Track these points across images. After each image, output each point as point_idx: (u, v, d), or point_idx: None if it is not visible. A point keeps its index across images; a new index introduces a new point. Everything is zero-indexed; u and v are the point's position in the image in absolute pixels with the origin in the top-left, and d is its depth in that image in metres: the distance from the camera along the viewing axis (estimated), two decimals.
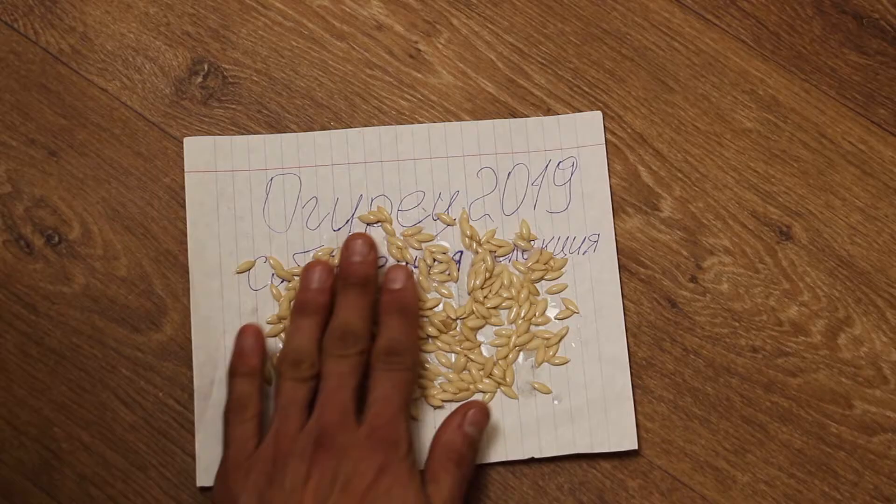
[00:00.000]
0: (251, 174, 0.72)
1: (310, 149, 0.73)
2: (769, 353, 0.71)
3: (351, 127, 0.74)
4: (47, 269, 0.72)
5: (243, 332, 0.68)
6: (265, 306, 0.71)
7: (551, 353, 0.71)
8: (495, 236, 0.72)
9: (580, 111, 0.74)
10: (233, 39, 0.75)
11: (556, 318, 0.71)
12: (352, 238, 0.68)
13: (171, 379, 0.71)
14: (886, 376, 0.71)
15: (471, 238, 0.72)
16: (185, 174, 0.72)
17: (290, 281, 0.71)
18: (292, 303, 0.69)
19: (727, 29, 0.75)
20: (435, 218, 0.72)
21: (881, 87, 0.74)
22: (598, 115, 0.73)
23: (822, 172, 0.73)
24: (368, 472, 0.63)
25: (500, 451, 0.70)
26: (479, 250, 0.72)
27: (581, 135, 0.73)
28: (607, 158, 0.73)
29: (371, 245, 0.68)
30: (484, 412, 0.67)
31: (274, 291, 0.71)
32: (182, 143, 0.73)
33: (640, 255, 0.72)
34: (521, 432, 0.70)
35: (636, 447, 0.69)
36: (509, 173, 0.73)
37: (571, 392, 0.70)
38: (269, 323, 0.71)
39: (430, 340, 0.71)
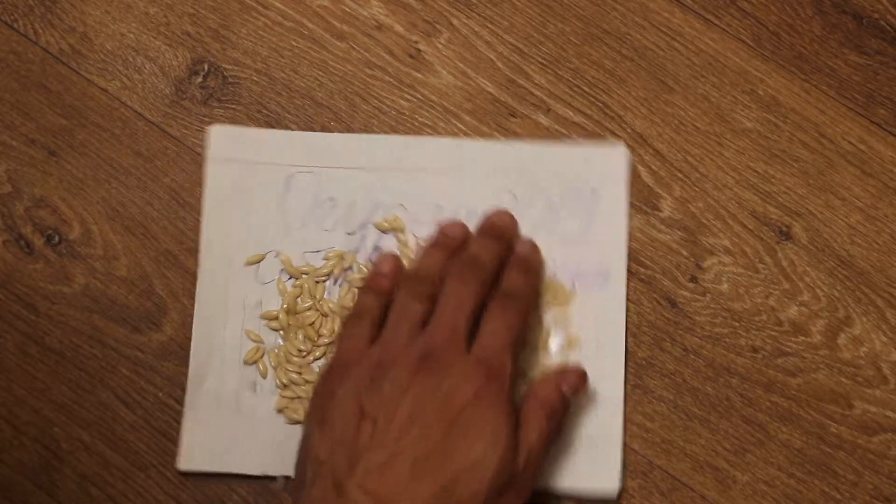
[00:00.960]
0: (272, 168, 0.72)
1: (334, 150, 0.73)
2: (769, 353, 0.71)
3: (352, 127, 0.74)
4: (47, 269, 0.72)
5: (384, 257, 0.70)
6: (270, 301, 0.71)
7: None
8: None
9: (585, 114, 0.74)
10: (233, 39, 0.75)
11: (557, 349, 0.71)
12: (497, 209, 0.71)
13: (171, 379, 0.71)
14: (886, 376, 0.71)
15: None
16: (208, 161, 0.72)
17: (297, 278, 0.71)
18: (427, 238, 0.70)
19: (727, 29, 0.75)
20: None
21: (881, 87, 0.74)
22: (623, 148, 0.72)
23: (822, 172, 0.73)
24: (468, 392, 0.63)
25: None
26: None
27: (605, 167, 0.72)
28: (629, 194, 0.72)
29: (512, 217, 0.71)
30: (583, 378, 0.68)
31: (280, 287, 0.71)
32: (182, 142, 0.73)
33: (640, 255, 0.72)
34: None
35: (616, 493, 0.69)
36: (528, 197, 0.72)
37: (562, 424, 0.70)
38: (269, 318, 0.71)
39: None
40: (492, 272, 0.67)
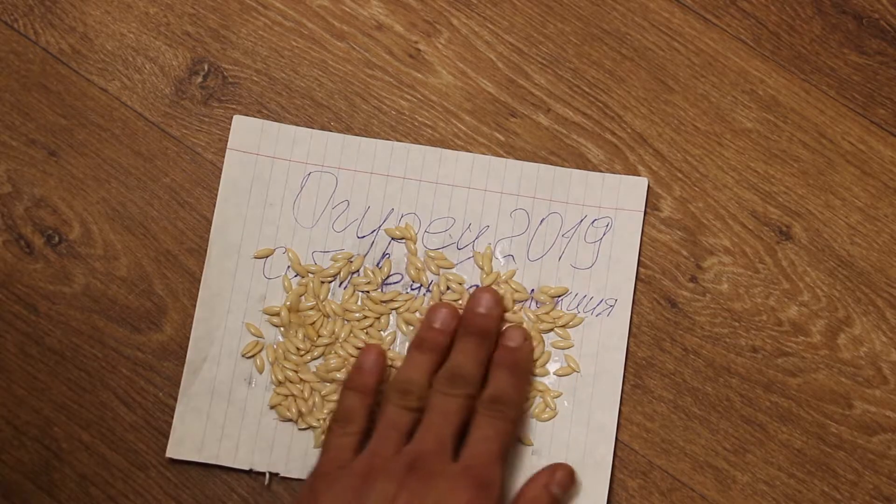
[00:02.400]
0: (290, 164, 0.73)
1: (353, 152, 0.73)
2: (769, 353, 0.71)
3: (352, 127, 0.74)
4: (47, 269, 0.72)
5: (367, 350, 0.69)
6: (274, 296, 0.71)
7: (541, 409, 0.70)
8: (514, 278, 0.72)
9: (585, 114, 0.74)
10: (233, 39, 0.75)
11: (555, 374, 0.71)
12: (481, 290, 0.69)
13: (171, 379, 0.71)
14: (886, 376, 0.71)
15: (488, 276, 0.71)
16: (227, 151, 0.72)
17: (303, 276, 0.71)
18: (412, 339, 0.69)
19: (727, 29, 0.75)
20: (460, 247, 0.72)
21: (881, 87, 0.74)
22: (644, 181, 0.72)
23: (822, 172, 0.73)
24: None
25: None
26: (506, 292, 0.71)
27: (622, 197, 0.72)
28: (643, 227, 0.72)
29: (498, 301, 0.69)
30: (571, 476, 0.68)
31: (286, 283, 0.72)
32: (182, 142, 0.73)
33: (640, 255, 0.72)
34: None
35: None
36: (542, 220, 0.72)
37: (552, 449, 0.70)
38: (270, 314, 0.71)
39: None
40: (478, 379, 0.67)
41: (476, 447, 0.65)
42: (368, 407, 0.67)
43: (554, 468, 0.67)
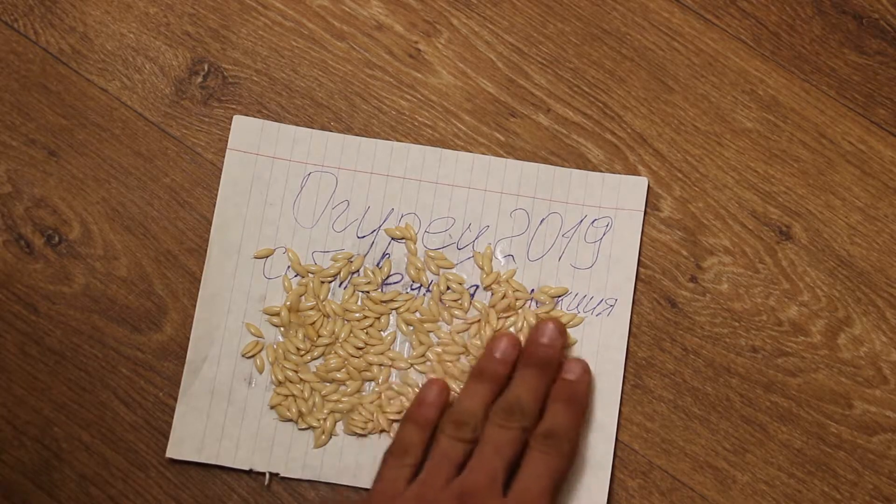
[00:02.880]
0: (290, 164, 0.73)
1: (353, 152, 0.73)
2: (769, 353, 0.71)
3: (351, 127, 0.74)
4: (47, 269, 0.72)
5: (430, 384, 0.69)
6: (274, 296, 0.71)
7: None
8: (514, 278, 0.72)
9: (585, 114, 0.74)
10: (233, 39, 0.75)
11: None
12: (544, 322, 0.69)
13: (170, 379, 0.71)
14: (886, 376, 0.71)
15: (488, 276, 0.71)
16: (227, 151, 0.72)
17: (303, 276, 0.71)
18: (472, 366, 0.69)
19: (727, 29, 0.75)
20: (460, 247, 0.72)
21: (881, 87, 0.74)
22: (644, 181, 0.72)
23: (822, 172, 0.73)
24: None
25: None
26: (507, 291, 0.71)
27: (622, 197, 0.72)
28: (643, 226, 0.72)
29: (562, 332, 0.69)
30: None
31: (286, 283, 0.72)
32: (182, 142, 0.73)
33: (640, 255, 0.72)
34: None
35: None
36: (542, 220, 0.72)
37: None
38: (270, 314, 0.71)
39: (427, 364, 0.71)
40: (534, 412, 0.67)
41: (527, 483, 0.64)
42: (426, 440, 0.67)
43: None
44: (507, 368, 0.68)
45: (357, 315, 0.71)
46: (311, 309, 0.71)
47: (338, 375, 0.71)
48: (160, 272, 0.72)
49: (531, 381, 0.67)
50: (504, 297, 0.71)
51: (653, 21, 0.75)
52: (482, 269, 0.72)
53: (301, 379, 0.71)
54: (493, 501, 0.64)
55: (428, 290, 0.72)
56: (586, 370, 0.68)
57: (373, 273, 0.72)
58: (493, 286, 0.71)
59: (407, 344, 0.71)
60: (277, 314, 0.71)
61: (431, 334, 0.71)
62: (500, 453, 0.65)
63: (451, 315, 0.71)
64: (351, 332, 0.71)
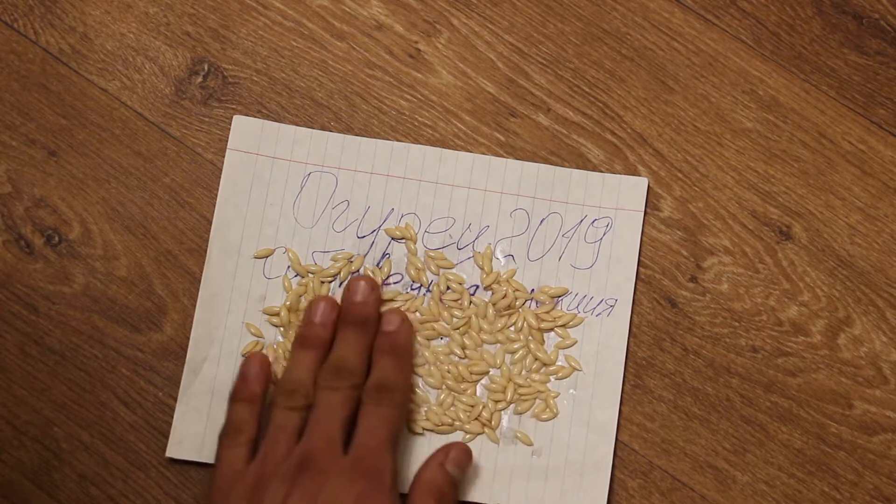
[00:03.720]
0: (290, 164, 0.73)
1: (353, 152, 0.73)
2: (769, 353, 0.71)
3: (351, 127, 0.74)
4: (47, 269, 0.72)
5: (250, 359, 0.69)
6: (274, 296, 0.71)
7: (541, 409, 0.70)
8: (514, 278, 0.72)
9: (585, 114, 0.74)
10: (233, 39, 0.75)
11: (556, 377, 0.71)
12: (355, 279, 0.69)
13: (170, 379, 0.71)
14: (886, 376, 0.71)
15: (488, 275, 0.71)
16: (227, 151, 0.72)
17: (303, 276, 0.71)
18: (294, 337, 0.70)
19: (727, 29, 0.75)
20: (460, 247, 0.72)
21: (881, 87, 0.74)
22: (644, 181, 0.72)
23: (822, 172, 0.73)
24: (348, 498, 0.63)
25: (468, 489, 0.69)
26: (507, 291, 0.71)
27: (622, 197, 0.72)
28: (643, 226, 0.72)
29: (373, 287, 0.69)
30: (467, 454, 0.68)
31: (286, 284, 0.72)
32: (182, 142, 0.73)
33: (640, 255, 0.72)
34: (493, 477, 0.69)
35: None
36: (542, 220, 0.72)
37: (552, 449, 0.70)
38: (270, 314, 0.71)
39: (427, 367, 0.71)
40: (361, 369, 0.67)
41: (364, 438, 0.65)
42: (257, 415, 0.67)
43: (448, 447, 0.67)
44: (329, 331, 0.68)
45: None
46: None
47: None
48: (160, 272, 0.72)
49: (352, 339, 0.68)
50: (504, 296, 0.71)
51: (653, 21, 0.75)
52: (482, 269, 0.72)
53: None
54: (334, 461, 0.64)
55: (428, 290, 0.72)
56: (405, 319, 0.69)
57: (373, 273, 0.72)
58: (493, 286, 0.71)
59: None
60: (277, 314, 0.71)
61: (433, 342, 0.71)
62: (333, 414, 0.65)
63: (450, 315, 0.71)
64: None
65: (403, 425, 0.68)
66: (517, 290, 0.71)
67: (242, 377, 0.68)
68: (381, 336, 0.68)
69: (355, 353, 0.67)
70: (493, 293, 0.72)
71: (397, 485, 0.65)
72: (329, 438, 0.65)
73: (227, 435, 0.67)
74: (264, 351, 0.71)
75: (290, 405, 0.66)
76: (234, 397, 0.68)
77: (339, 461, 0.64)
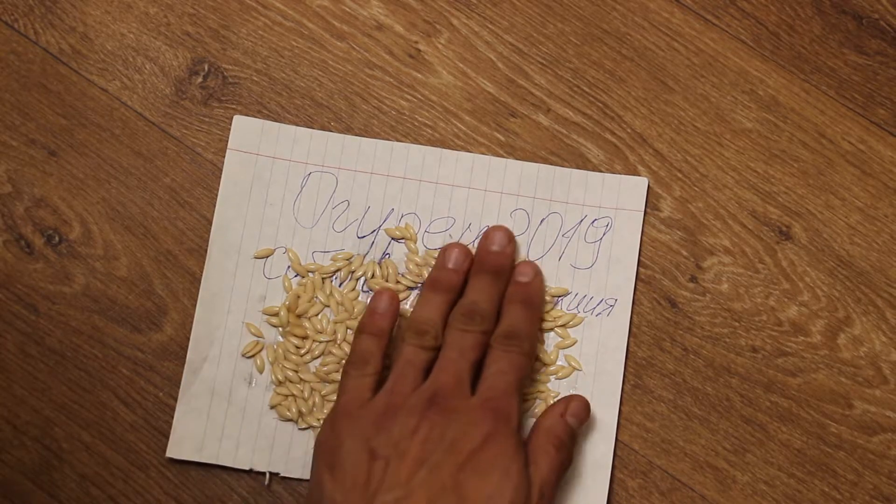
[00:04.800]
0: (290, 164, 0.73)
1: (353, 153, 0.73)
2: (769, 353, 0.71)
3: (351, 127, 0.74)
4: (47, 269, 0.72)
5: (379, 294, 0.70)
6: (274, 296, 0.71)
7: (541, 409, 0.70)
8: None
9: (585, 114, 0.74)
10: (233, 39, 0.75)
11: (556, 377, 0.71)
12: (493, 229, 0.71)
13: (170, 379, 0.71)
14: (886, 376, 0.71)
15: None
16: (227, 151, 0.72)
17: (303, 276, 0.72)
18: (426, 279, 0.70)
19: (727, 29, 0.75)
20: None
21: (881, 87, 0.74)
22: (644, 181, 0.72)
23: (822, 172, 0.73)
24: (476, 436, 0.64)
25: None
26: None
27: (622, 197, 0.72)
28: (643, 226, 0.72)
29: (510, 238, 0.70)
30: (586, 406, 0.69)
31: (286, 284, 0.72)
32: (182, 142, 0.73)
33: (640, 255, 0.72)
34: None
35: None
36: (542, 220, 0.72)
37: None
38: (270, 314, 0.71)
39: None
40: (492, 316, 0.68)
41: (492, 381, 0.66)
42: (383, 349, 0.68)
43: (569, 398, 0.68)
44: (461, 277, 0.69)
45: (357, 314, 0.71)
46: (310, 301, 0.71)
47: (338, 376, 0.71)
48: (160, 272, 0.72)
49: (486, 286, 0.69)
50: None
51: (653, 21, 0.75)
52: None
53: (301, 378, 0.71)
54: (462, 400, 0.65)
55: None
56: (538, 272, 0.70)
57: (372, 274, 0.72)
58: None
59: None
60: (277, 314, 0.71)
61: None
62: (464, 355, 0.66)
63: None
64: (347, 329, 0.71)
65: (529, 373, 0.69)
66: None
67: (371, 311, 0.69)
68: (514, 286, 0.70)
69: (488, 299, 0.68)
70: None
71: (522, 431, 0.66)
72: (458, 377, 0.66)
73: (352, 364, 0.68)
74: (264, 352, 0.71)
75: (420, 343, 0.67)
76: (362, 329, 0.69)
77: (468, 400, 0.65)
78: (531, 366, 0.69)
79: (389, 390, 0.66)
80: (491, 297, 0.69)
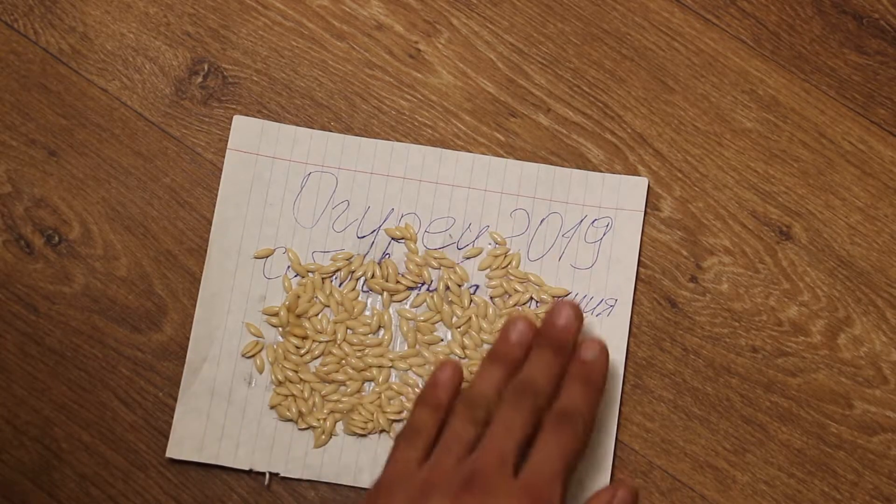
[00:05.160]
0: (290, 165, 0.73)
1: (353, 153, 0.73)
2: (769, 353, 0.71)
3: (351, 127, 0.74)
4: (47, 269, 0.72)
5: (443, 365, 0.66)
6: (274, 296, 0.71)
7: None
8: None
9: (585, 114, 0.74)
10: (233, 39, 0.75)
11: None
12: (561, 303, 0.66)
13: (170, 379, 0.71)
14: (886, 376, 0.71)
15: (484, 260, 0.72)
16: (227, 151, 0.72)
17: (303, 276, 0.72)
18: (488, 350, 0.67)
19: (727, 29, 0.75)
20: (460, 247, 0.72)
21: (881, 87, 0.74)
22: (644, 181, 0.72)
23: (822, 172, 0.73)
24: None
25: None
26: (517, 288, 0.71)
27: (622, 197, 0.72)
28: (643, 227, 0.72)
29: (578, 315, 0.66)
30: (634, 497, 0.64)
31: (286, 284, 0.72)
32: (182, 142, 0.73)
33: (640, 255, 0.72)
34: None
35: None
36: (542, 220, 0.72)
37: None
38: (269, 314, 0.71)
39: (427, 367, 0.71)
40: (549, 393, 0.65)
41: (538, 463, 0.62)
42: (439, 422, 0.65)
43: (616, 486, 0.64)
44: (522, 351, 0.66)
45: (363, 313, 0.71)
46: (309, 301, 0.72)
47: (338, 376, 0.71)
48: (160, 272, 0.72)
49: (545, 361, 0.65)
50: (504, 291, 0.71)
51: (653, 21, 0.75)
52: (482, 268, 0.72)
53: (301, 379, 0.71)
54: (503, 482, 0.61)
55: (429, 288, 0.72)
56: (604, 351, 0.66)
57: (372, 274, 0.72)
58: (490, 271, 0.71)
59: (406, 346, 0.71)
60: (277, 314, 0.71)
61: (436, 337, 0.71)
62: (510, 433, 0.63)
63: (451, 313, 0.71)
64: (347, 329, 0.71)
65: (580, 459, 0.65)
66: (522, 282, 0.71)
67: (433, 382, 0.66)
68: (576, 363, 0.66)
69: (545, 375, 0.65)
70: (492, 290, 0.72)
71: None
72: (501, 457, 0.62)
73: (404, 437, 0.65)
74: (263, 352, 0.71)
75: (470, 417, 0.64)
76: (421, 400, 0.66)
77: (508, 482, 0.61)
78: (583, 450, 0.64)
79: (433, 465, 0.63)
80: (549, 372, 0.65)
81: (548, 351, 0.65)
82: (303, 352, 0.71)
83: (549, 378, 0.65)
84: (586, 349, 0.66)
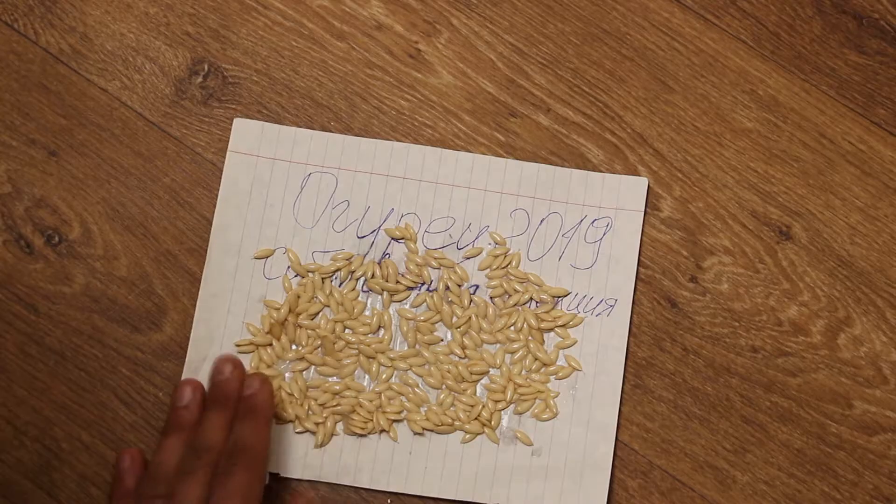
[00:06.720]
0: (291, 165, 0.73)
1: (353, 153, 0.73)
2: (769, 353, 0.71)
3: (351, 127, 0.74)
4: (47, 269, 0.72)
5: (123, 454, 0.67)
6: (274, 297, 0.72)
7: (541, 409, 0.70)
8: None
9: (585, 114, 0.74)
10: (233, 39, 0.75)
11: (556, 377, 0.71)
12: (219, 359, 0.68)
13: (171, 379, 0.71)
14: (886, 376, 0.71)
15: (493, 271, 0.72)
16: (228, 153, 0.72)
17: (303, 276, 0.72)
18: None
19: (727, 29, 0.75)
20: (460, 247, 0.72)
21: (881, 87, 0.74)
22: (644, 181, 0.72)
23: (822, 172, 0.73)
24: None
25: (468, 489, 0.69)
26: (517, 288, 0.71)
27: (622, 197, 0.72)
28: (643, 226, 0.72)
29: (237, 365, 0.67)
30: None
31: (286, 284, 0.72)
32: (182, 142, 0.73)
33: (641, 255, 0.72)
34: (493, 477, 0.70)
35: None
36: (542, 220, 0.72)
37: (552, 449, 0.70)
38: (270, 306, 0.71)
39: (427, 367, 0.71)
40: (221, 445, 0.65)
41: None
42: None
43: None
44: (194, 412, 0.67)
45: (363, 313, 0.71)
46: (309, 301, 0.72)
47: (336, 378, 0.71)
48: (160, 272, 0.72)
49: (214, 416, 0.66)
50: (504, 291, 0.71)
51: (653, 21, 0.75)
52: (482, 268, 0.72)
53: (298, 381, 0.71)
54: None
55: (429, 288, 0.72)
56: (265, 381, 0.67)
57: (372, 274, 0.72)
58: (490, 271, 0.71)
59: (406, 346, 0.71)
60: (278, 309, 0.71)
61: (435, 339, 0.71)
62: (187, 497, 0.63)
63: (451, 313, 0.71)
64: (346, 329, 0.71)
65: (259, 492, 0.65)
66: (519, 279, 0.71)
67: (118, 475, 0.66)
68: (241, 401, 0.67)
69: (215, 428, 0.65)
70: (491, 289, 0.72)
71: None
72: None
73: None
74: (262, 352, 0.71)
75: (154, 493, 0.64)
76: (112, 496, 0.66)
77: None
78: (259, 482, 0.65)
79: None
80: (219, 425, 0.66)
81: (215, 406, 0.66)
82: (302, 350, 0.71)
83: (220, 430, 0.66)
84: (247, 385, 0.67)
